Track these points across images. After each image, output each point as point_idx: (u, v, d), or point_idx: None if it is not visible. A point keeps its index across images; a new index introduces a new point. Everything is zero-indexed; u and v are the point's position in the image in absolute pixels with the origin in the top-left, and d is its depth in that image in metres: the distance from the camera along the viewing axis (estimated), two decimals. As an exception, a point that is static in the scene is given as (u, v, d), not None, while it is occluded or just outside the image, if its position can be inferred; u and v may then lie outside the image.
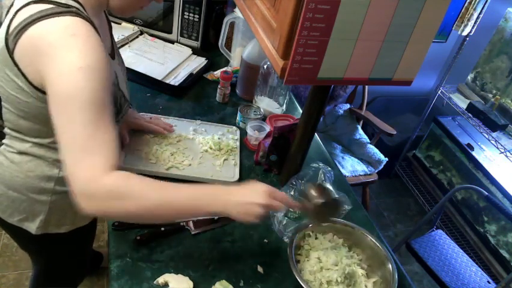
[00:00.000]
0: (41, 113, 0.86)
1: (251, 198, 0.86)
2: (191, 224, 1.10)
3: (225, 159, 1.30)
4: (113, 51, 1.03)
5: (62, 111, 0.77)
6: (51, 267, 1.31)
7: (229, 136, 1.41)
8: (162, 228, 1.06)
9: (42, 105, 0.83)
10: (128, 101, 1.05)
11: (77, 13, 0.80)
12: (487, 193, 1.78)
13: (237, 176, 1.26)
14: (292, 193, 1.15)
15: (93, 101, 0.77)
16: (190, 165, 1.25)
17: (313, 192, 0.99)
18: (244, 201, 0.86)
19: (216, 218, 1.13)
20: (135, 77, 1.59)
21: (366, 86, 2.45)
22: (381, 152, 2.38)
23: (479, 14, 2.25)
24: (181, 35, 1.86)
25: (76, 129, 0.76)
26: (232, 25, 1.76)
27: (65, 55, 0.77)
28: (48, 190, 1.00)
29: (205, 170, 1.24)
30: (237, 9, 1.70)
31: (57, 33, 0.78)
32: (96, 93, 0.77)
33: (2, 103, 0.92)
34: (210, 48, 1.90)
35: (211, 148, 1.32)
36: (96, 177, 0.76)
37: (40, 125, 0.91)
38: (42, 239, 1.07)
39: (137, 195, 0.80)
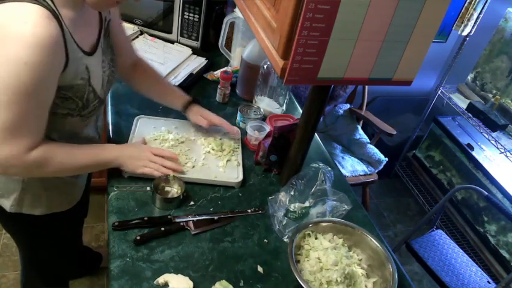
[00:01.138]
0: None
1: (134, 153, 1.15)
2: (191, 224, 1.10)
3: (227, 160, 1.30)
4: (95, 47, 1.02)
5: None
6: (34, 255, 1.33)
7: (230, 136, 1.41)
8: (162, 228, 1.06)
9: None
10: (100, 98, 1.05)
11: (37, 1, 0.80)
12: (487, 193, 1.78)
13: (240, 177, 1.25)
14: (292, 193, 1.15)
15: (29, 95, 0.83)
16: (193, 167, 1.25)
17: None
18: (128, 155, 1.13)
19: (216, 218, 1.13)
20: (135, 77, 1.58)
21: (366, 86, 2.45)
22: (381, 152, 2.38)
23: (479, 14, 2.25)
24: (181, 35, 1.86)
25: (8, 115, 0.84)
26: (232, 25, 1.76)
27: (14, 45, 0.78)
28: None
29: (209, 171, 1.24)
30: (237, 9, 1.70)
31: (13, 21, 0.79)
32: (33, 88, 0.83)
33: None
34: (210, 48, 1.90)
35: (213, 149, 1.32)
36: (17, 156, 0.90)
37: None
38: (17, 218, 1.11)
39: (53, 164, 0.97)
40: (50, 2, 0.83)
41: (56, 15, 0.83)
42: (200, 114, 1.33)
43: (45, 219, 1.13)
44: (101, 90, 1.05)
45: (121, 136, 1.30)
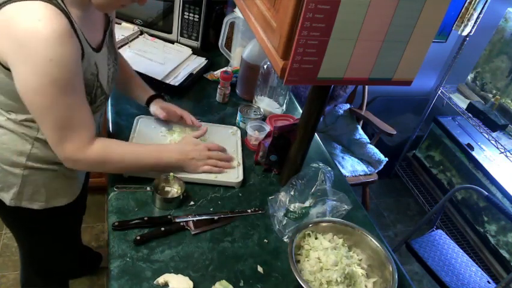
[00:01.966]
0: (11, 89, 0.90)
1: (195, 155, 1.18)
2: (191, 224, 1.10)
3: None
4: (101, 44, 1.05)
5: (41, 98, 0.87)
6: (34, 252, 1.34)
7: (230, 136, 1.41)
8: (162, 228, 1.06)
9: (11, 82, 0.88)
10: (106, 93, 1.08)
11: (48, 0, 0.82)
12: (487, 193, 1.78)
13: (241, 177, 1.25)
14: (292, 193, 1.15)
15: (67, 88, 0.88)
16: None
17: None
18: (190, 157, 1.17)
19: (216, 218, 1.13)
20: (135, 77, 1.59)
21: (366, 86, 2.45)
22: (381, 152, 2.38)
23: (479, 14, 2.25)
24: (181, 35, 1.86)
25: (57, 112, 0.90)
26: (232, 25, 1.76)
27: (35, 45, 0.81)
28: (20, 164, 1.05)
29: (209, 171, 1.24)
30: (237, 9, 1.70)
31: (26, 19, 0.80)
32: (68, 81, 0.87)
33: None
34: (210, 48, 1.90)
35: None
36: (81, 149, 0.96)
37: (12, 101, 0.95)
38: (17, 212, 1.12)
39: (115, 161, 1.05)
40: (60, 1, 0.85)
41: (65, 12, 0.85)
42: (160, 107, 1.33)
43: (45, 214, 1.14)
44: (107, 86, 1.08)
45: (121, 136, 1.30)
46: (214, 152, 1.23)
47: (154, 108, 1.33)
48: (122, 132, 1.32)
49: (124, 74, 1.32)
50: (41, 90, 0.85)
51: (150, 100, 1.34)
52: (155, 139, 1.30)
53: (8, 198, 1.09)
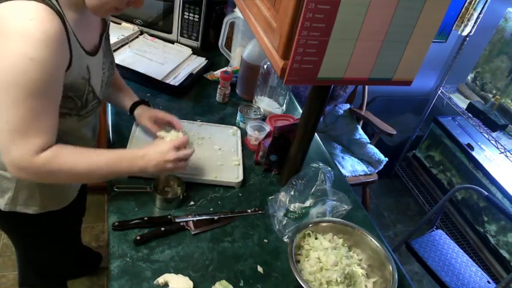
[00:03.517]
0: None
1: (161, 158, 1.05)
2: (191, 224, 1.10)
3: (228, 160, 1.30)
4: (97, 47, 1.03)
5: (3, 95, 0.81)
6: (30, 255, 1.32)
7: (230, 136, 1.41)
8: (162, 228, 1.06)
9: None
10: (99, 98, 1.04)
11: (43, 0, 0.81)
12: (487, 193, 1.78)
13: (240, 177, 1.26)
14: (292, 193, 1.15)
15: (37, 92, 0.82)
16: (198, 166, 1.25)
17: None
18: (155, 163, 1.04)
19: (216, 218, 1.13)
20: (135, 77, 1.59)
21: (366, 86, 2.45)
22: (381, 152, 2.38)
23: (479, 14, 2.25)
24: (181, 35, 1.86)
25: (15, 113, 0.83)
26: (232, 25, 1.76)
27: (19, 41, 0.78)
28: None
29: (209, 171, 1.24)
30: (237, 9, 1.70)
31: (17, 17, 0.78)
32: (41, 84, 0.82)
33: None
34: (210, 48, 1.90)
35: (216, 149, 1.34)
36: (27, 157, 0.87)
37: None
38: (12, 217, 1.11)
39: (66, 169, 0.93)
40: (55, 2, 0.84)
41: (60, 14, 0.84)
42: (148, 116, 1.25)
43: (40, 218, 1.13)
44: (100, 91, 1.05)
45: (121, 136, 1.30)
46: (181, 152, 1.09)
47: (140, 118, 1.26)
48: (122, 133, 1.32)
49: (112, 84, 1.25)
50: (7, 87, 0.80)
51: (134, 107, 1.27)
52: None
53: (2, 203, 1.07)
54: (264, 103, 1.59)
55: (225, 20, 1.71)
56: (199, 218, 1.12)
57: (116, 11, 0.95)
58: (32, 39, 0.78)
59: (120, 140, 1.28)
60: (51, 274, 1.44)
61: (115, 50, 1.68)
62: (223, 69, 1.73)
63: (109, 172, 1.01)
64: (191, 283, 0.94)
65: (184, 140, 1.12)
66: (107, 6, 0.91)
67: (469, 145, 2.55)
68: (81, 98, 0.98)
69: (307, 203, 1.13)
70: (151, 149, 1.07)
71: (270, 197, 1.19)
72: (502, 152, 2.26)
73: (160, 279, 0.94)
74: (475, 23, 2.29)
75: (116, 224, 1.05)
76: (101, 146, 2.03)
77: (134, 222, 1.06)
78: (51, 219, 1.17)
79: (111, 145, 1.28)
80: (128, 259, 0.98)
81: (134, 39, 1.83)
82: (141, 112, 1.27)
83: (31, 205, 1.10)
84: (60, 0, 0.85)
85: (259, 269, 1.04)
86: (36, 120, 0.85)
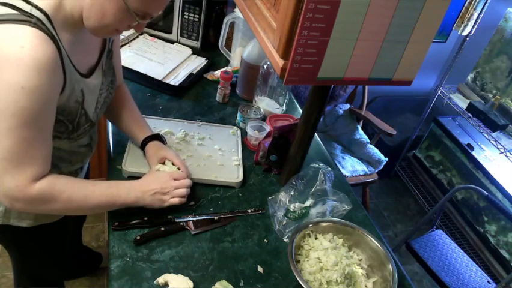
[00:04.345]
0: None
1: (158, 188, 1.03)
2: (191, 224, 1.10)
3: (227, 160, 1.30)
4: (94, 68, 1.00)
5: None
6: (26, 265, 1.31)
7: (230, 136, 1.41)
8: (162, 228, 1.06)
9: None
10: (91, 121, 1.01)
11: (36, 24, 0.78)
12: (487, 193, 1.78)
13: (240, 177, 1.26)
14: (292, 193, 1.15)
15: (30, 121, 0.80)
16: (197, 165, 1.25)
17: None
18: (153, 193, 1.03)
19: (216, 218, 1.13)
20: (135, 77, 1.59)
21: (366, 86, 2.45)
22: (381, 152, 2.38)
23: (479, 14, 2.25)
24: (181, 35, 1.86)
25: (8, 143, 0.80)
26: (232, 25, 1.76)
27: (9, 69, 0.75)
28: None
29: (209, 171, 1.24)
30: (237, 9, 1.70)
31: (8, 44, 0.75)
32: (34, 113, 0.80)
33: None
34: (210, 48, 1.90)
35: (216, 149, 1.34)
36: (21, 188, 0.84)
37: None
38: (5, 230, 1.09)
39: (61, 200, 0.91)
40: (49, 25, 0.80)
41: (54, 38, 0.80)
42: (157, 159, 1.15)
43: (34, 231, 1.10)
44: (93, 113, 1.02)
45: (121, 136, 1.30)
46: (179, 181, 1.07)
47: (149, 159, 1.17)
48: (122, 137, 1.30)
49: (117, 103, 1.20)
50: (1, 115, 0.78)
51: (146, 142, 1.19)
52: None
53: None
54: (264, 103, 1.59)
55: (225, 20, 1.71)
56: (199, 218, 1.12)
57: (117, 32, 0.92)
58: (24, 68, 0.75)
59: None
60: (47, 280, 1.43)
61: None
62: (223, 69, 1.73)
63: (106, 202, 0.98)
64: (191, 283, 0.94)
65: (183, 174, 1.10)
66: (108, 29, 0.88)
67: (469, 145, 2.55)
68: (72, 122, 0.95)
69: (307, 203, 1.13)
70: (148, 178, 1.06)
71: (270, 197, 1.19)
72: (502, 152, 2.26)
73: (160, 279, 0.94)
74: (475, 23, 2.29)
75: (116, 224, 1.04)
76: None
77: (134, 222, 1.06)
78: (46, 232, 1.14)
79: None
80: (128, 259, 0.98)
81: (134, 39, 1.83)
82: (151, 154, 1.17)
83: (25, 218, 1.07)
84: (55, 21, 0.82)
85: (259, 269, 1.04)
86: (29, 149, 0.83)
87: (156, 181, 1.05)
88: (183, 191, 1.07)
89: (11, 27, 0.76)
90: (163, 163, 1.15)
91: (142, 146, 1.19)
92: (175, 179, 1.07)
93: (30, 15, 0.78)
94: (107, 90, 1.08)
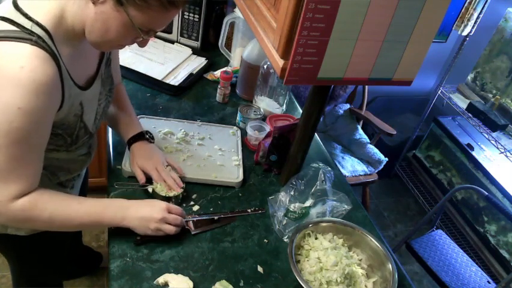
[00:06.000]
0: None
1: (148, 213, 0.98)
2: (191, 224, 1.10)
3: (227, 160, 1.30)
4: (93, 78, 0.98)
5: None
6: (24, 271, 1.31)
7: (230, 136, 1.41)
8: (162, 228, 1.06)
9: None
10: (90, 133, 1.00)
11: (37, 42, 0.76)
12: (487, 193, 1.78)
13: (240, 177, 1.26)
14: (292, 193, 1.15)
15: (22, 140, 0.79)
16: (198, 165, 1.25)
17: None
18: (141, 216, 0.98)
19: (216, 218, 1.13)
20: (135, 77, 1.59)
21: (366, 86, 2.45)
22: (381, 152, 2.38)
23: (479, 14, 2.25)
24: (181, 35, 1.86)
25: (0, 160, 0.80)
26: (232, 25, 1.76)
27: (6, 88, 0.74)
28: None
29: (209, 171, 1.24)
30: (237, 9, 1.70)
31: (7, 64, 0.74)
32: (26, 134, 0.79)
33: None
34: (210, 48, 1.90)
35: (216, 148, 1.34)
36: (4, 203, 0.83)
37: None
38: (3, 239, 1.08)
39: (42, 219, 0.89)
40: (49, 42, 0.79)
41: (54, 55, 0.79)
42: (140, 166, 1.13)
43: (32, 239, 1.09)
44: (93, 125, 1.02)
45: (122, 155, 1.28)
46: (172, 217, 1.01)
47: (132, 161, 1.16)
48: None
49: (117, 105, 1.21)
50: None
51: (131, 141, 1.17)
52: (156, 140, 1.30)
53: None
54: (264, 103, 1.59)
55: (225, 20, 1.71)
56: (199, 218, 1.12)
57: (120, 47, 0.91)
58: (22, 89, 0.74)
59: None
60: (46, 282, 1.42)
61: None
62: (223, 69, 1.73)
63: (90, 221, 0.94)
64: (191, 283, 0.94)
65: (179, 210, 1.04)
66: (110, 44, 0.87)
67: (469, 145, 2.55)
68: (71, 135, 0.95)
69: (307, 203, 1.14)
70: (143, 202, 1.01)
71: (270, 197, 1.19)
72: (502, 152, 2.26)
73: (160, 279, 0.94)
74: (475, 23, 2.29)
75: (116, 224, 1.04)
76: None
77: (134, 222, 1.05)
78: (45, 239, 1.12)
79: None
80: (128, 259, 0.98)
81: (134, 39, 1.82)
82: (134, 157, 1.16)
83: (22, 227, 1.06)
84: (56, 37, 0.81)
85: (259, 269, 1.04)
86: (18, 167, 0.82)
87: (148, 207, 1.00)
88: (171, 229, 1.01)
89: (11, 46, 0.75)
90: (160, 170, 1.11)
91: (128, 144, 1.18)
92: (169, 212, 1.01)
93: (31, 32, 0.77)
94: (106, 99, 1.07)
